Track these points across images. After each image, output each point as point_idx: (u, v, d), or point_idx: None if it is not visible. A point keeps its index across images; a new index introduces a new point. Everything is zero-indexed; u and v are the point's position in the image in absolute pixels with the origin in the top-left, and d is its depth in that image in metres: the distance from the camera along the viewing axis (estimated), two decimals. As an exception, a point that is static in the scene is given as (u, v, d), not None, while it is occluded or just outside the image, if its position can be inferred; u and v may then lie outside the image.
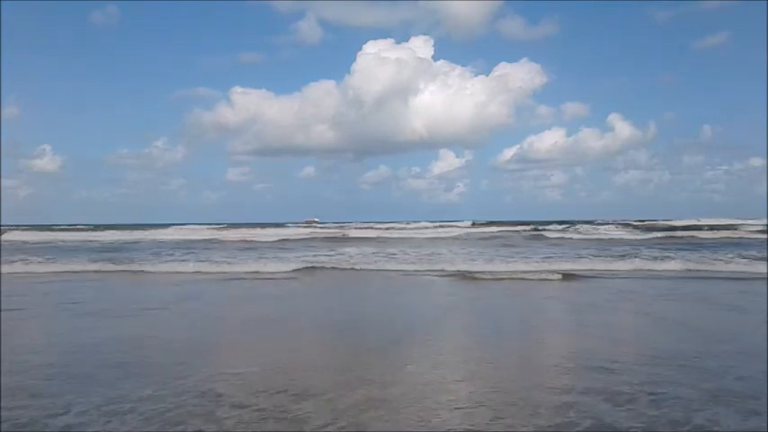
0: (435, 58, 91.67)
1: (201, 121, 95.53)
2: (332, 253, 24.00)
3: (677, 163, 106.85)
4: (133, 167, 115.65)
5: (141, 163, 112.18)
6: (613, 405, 4.93)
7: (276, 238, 39.78)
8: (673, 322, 9.42)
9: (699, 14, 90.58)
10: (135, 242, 37.45)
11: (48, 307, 11.48)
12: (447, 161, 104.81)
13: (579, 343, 7.90)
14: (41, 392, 5.39)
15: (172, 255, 24.18)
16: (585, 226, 52.24)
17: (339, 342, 8.12)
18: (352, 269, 18.27)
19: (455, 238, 41.26)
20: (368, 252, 24.20)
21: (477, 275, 15.94)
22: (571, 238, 37.57)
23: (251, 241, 37.41)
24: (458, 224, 64.49)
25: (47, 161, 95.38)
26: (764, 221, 44.56)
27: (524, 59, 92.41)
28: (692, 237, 38.29)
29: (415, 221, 73.66)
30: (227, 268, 18.19)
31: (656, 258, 18.93)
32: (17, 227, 57.51)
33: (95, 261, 20.02)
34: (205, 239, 39.23)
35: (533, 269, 16.86)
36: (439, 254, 23.25)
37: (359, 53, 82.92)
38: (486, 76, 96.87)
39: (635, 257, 19.37)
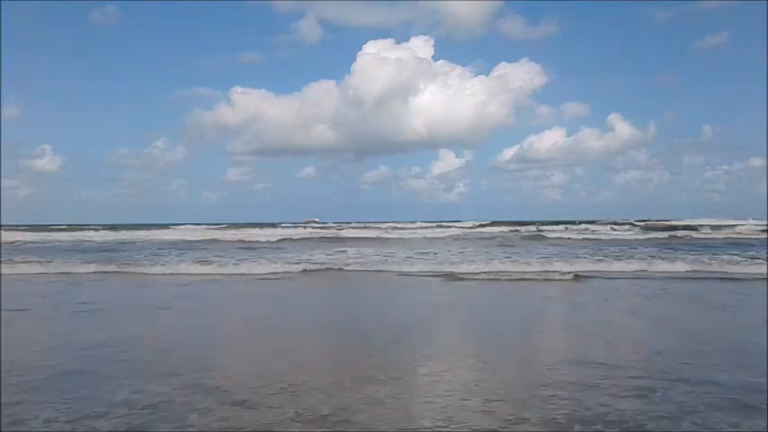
0: (435, 58, 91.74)
1: (201, 121, 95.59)
2: (330, 254, 23.86)
3: (677, 163, 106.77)
4: (133, 167, 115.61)
5: (141, 163, 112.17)
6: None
7: (274, 239, 39.66)
8: (672, 325, 9.28)
9: (699, 14, 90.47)
10: (132, 242, 37.35)
11: (42, 310, 11.35)
12: (447, 161, 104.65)
13: (582, 346, 7.77)
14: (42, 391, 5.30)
15: (169, 255, 24.07)
16: (593, 226, 52.04)
17: (326, 344, 8.02)
18: (349, 270, 18.12)
19: (454, 238, 41.13)
20: (365, 253, 24.07)
21: (474, 277, 15.82)
22: (570, 238, 37.41)
23: (249, 242, 37.28)
24: (457, 224, 64.35)
25: (47, 161, 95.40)
26: (764, 221, 44.35)
27: (524, 59, 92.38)
28: (693, 237, 38.16)
29: (417, 221, 73.52)
30: (222, 270, 18.05)
31: (654, 258, 18.78)
32: (15, 227, 57.33)
33: (89, 262, 19.88)
34: (203, 240, 39.10)
35: (534, 270, 16.75)
36: (435, 254, 23.14)
37: (359, 53, 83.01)
38: (487, 76, 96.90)
39: (636, 258, 19.25)
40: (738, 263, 17.57)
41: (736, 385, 5.51)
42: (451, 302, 12.17)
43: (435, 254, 23.15)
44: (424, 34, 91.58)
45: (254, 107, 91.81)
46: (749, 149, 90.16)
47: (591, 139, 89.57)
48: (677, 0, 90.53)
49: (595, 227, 51.40)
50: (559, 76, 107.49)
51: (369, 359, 6.85)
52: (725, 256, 19.47)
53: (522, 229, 49.83)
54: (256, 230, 50.46)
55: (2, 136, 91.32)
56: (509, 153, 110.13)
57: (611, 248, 25.35)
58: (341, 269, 18.23)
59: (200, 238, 40.27)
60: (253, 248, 29.91)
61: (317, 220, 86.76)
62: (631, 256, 19.85)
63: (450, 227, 58.55)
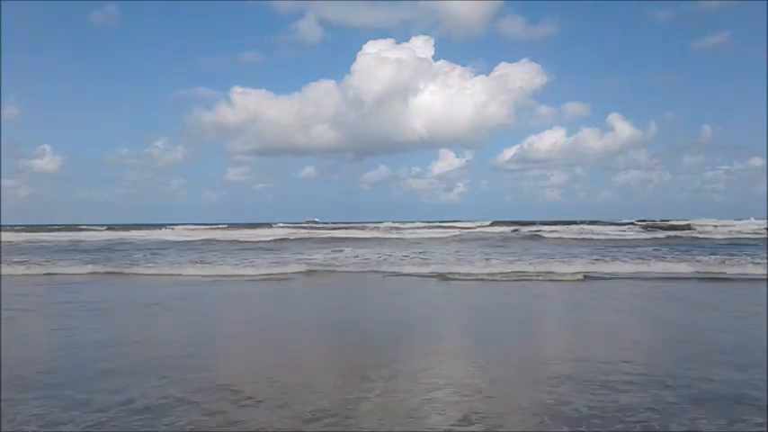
0: (435, 58, 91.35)
1: (201, 121, 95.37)
2: (328, 254, 23.82)
3: (677, 163, 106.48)
4: (133, 167, 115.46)
5: (141, 163, 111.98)
6: None
7: (274, 239, 39.63)
8: (672, 325, 9.24)
9: (699, 14, 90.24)
10: (132, 242, 37.29)
11: (42, 310, 11.32)
12: (447, 161, 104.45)
13: (582, 346, 7.73)
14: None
15: (167, 256, 24.03)
16: (593, 226, 51.95)
17: (326, 345, 8.03)
18: (345, 272, 18.08)
19: (454, 238, 41.07)
20: (363, 254, 24.02)
21: (471, 277, 15.79)
22: (572, 239, 37.35)
23: (248, 242, 37.25)
24: (457, 224, 64.29)
25: (47, 161, 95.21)
26: (765, 221, 44.31)
27: (524, 59, 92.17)
28: (693, 237, 38.09)
29: (417, 221, 73.47)
30: (221, 270, 18.01)
31: (655, 258, 18.75)
32: (12, 227, 57.33)
33: (88, 263, 19.87)
34: (202, 240, 39.10)
35: (532, 270, 16.70)
36: (433, 253, 23.11)
37: (359, 53, 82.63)
38: (487, 76, 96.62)
39: (636, 258, 19.20)
40: (738, 263, 17.52)
41: (735, 385, 5.50)
42: (448, 303, 12.15)
43: (432, 254, 23.10)
44: (424, 34, 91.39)
45: (254, 107, 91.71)
46: (749, 149, 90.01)
47: (591, 139, 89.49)
48: (677, 0, 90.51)
49: (596, 227, 51.34)
50: (559, 76, 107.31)
51: (368, 358, 6.83)
52: (725, 257, 19.42)
53: (523, 228, 49.80)
54: (256, 231, 50.46)
55: (2, 136, 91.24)
56: (509, 153, 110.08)
57: (611, 248, 25.32)
58: (333, 270, 18.19)
59: (199, 239, 40.27)
60: (252, 249, 29.89)
61: (317, 220, 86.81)
62: (634, 257, 19.79)
63: (451, 227, 58.48)
